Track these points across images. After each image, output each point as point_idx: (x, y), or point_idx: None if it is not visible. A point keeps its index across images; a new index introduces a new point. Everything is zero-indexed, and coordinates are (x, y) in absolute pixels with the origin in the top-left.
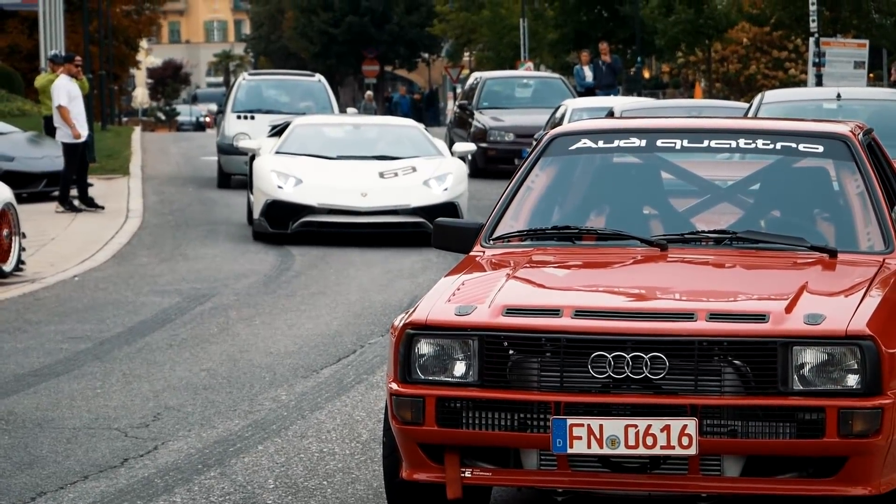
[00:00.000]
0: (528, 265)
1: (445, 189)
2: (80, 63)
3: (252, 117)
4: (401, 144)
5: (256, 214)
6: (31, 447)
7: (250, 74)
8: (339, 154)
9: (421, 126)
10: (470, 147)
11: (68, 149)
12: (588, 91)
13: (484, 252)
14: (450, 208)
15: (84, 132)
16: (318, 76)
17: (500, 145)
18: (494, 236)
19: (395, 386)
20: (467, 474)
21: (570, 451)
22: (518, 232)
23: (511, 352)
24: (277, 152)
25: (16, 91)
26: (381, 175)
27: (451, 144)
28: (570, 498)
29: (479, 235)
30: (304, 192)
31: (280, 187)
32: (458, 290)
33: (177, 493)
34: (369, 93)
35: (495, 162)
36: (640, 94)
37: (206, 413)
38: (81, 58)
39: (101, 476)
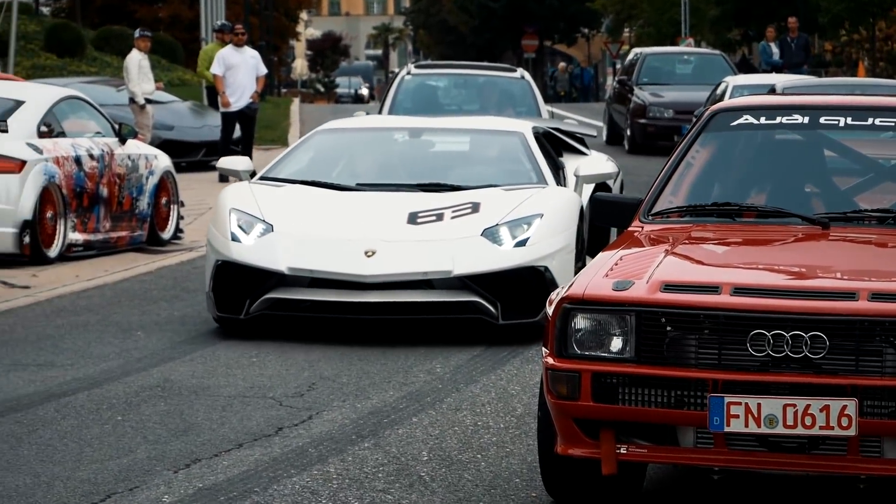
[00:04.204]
0: (686, 241)
1: (522, 243)
2: (243, 32)
3: None
4: (480, 164)
5: (206, 285)
6: (186, 414)
7: (417, 67)
8: (365, 181)
9: (529, 131)
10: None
11: (224, 118)
12: (775, 70)
13: (642, 228)
14: (529, 275)
15: (240, 103)
16: (520, 71)
17: (659, 122)
18: (653, 212)
19: (550, 360)
20: (622, 451)
21: (727, 429)
22: (677, 208)
23: (668, 328)
24: (263, 178)
25: (177, 61)
26: (413, 218)
27: (609, 121)
28: (725, 476)
29: (637, 211)
30: (271, 247)
31: (236, 238)
32: (616, 265)
33: (330, 462)
34: (562, 64)
35: (654, 138)
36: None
37: (361, 384)
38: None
39: (256, 444)
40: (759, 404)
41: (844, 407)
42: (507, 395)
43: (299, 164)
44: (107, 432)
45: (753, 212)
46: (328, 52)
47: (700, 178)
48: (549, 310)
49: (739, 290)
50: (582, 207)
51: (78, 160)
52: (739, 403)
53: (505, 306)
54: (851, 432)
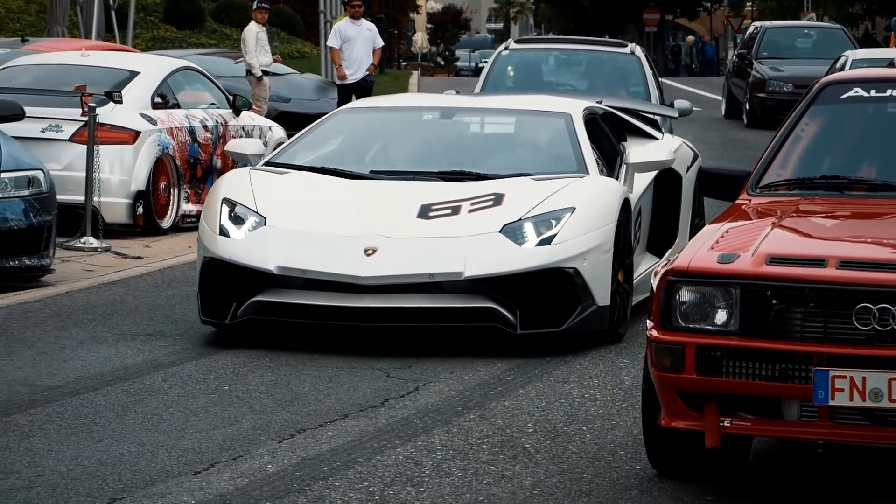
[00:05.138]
0: (794, 214)
1: (548, 241)
2: (359, 5)
3: None
4: (514, 149)
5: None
6: (293, 385)
7: (517, 42)
8: (381, 167)
9: (578, 112)
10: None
11: (340, 90)
12: None
13: (750, 200)
14: (554, 278)
15: (357, 75)
16: (631, 46)
17: (778, 95)
18: (761, 185)
19: (654, 333)
20: (726, 423)
21: (831, 402)
22: (786, 181)
23: (774, 301)
24: (269, 163)
25: (296, 33)
26: (425, 212)
27: (728, 95)
28: (829, 450)
29: (745, 183)
30: (261, 243)
31: (224, 232)
32: (722, 237)
33: (435, 434)
34: (690, 37)
35: (773, 112)
36: None
37: (469, 356)
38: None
39: (361, 415)
40: (864, 378)
41: None
42: (616, 368)
43: (314, 147)
44: (213, 402)
45: (863, 185)
46: (448, 25)
47: (809, 151)
48: (654, 282)
49: (846, 264)
50: (627, 200)
51: (192, 131)
52: (844, 377)
53: (525, 314)
54: None
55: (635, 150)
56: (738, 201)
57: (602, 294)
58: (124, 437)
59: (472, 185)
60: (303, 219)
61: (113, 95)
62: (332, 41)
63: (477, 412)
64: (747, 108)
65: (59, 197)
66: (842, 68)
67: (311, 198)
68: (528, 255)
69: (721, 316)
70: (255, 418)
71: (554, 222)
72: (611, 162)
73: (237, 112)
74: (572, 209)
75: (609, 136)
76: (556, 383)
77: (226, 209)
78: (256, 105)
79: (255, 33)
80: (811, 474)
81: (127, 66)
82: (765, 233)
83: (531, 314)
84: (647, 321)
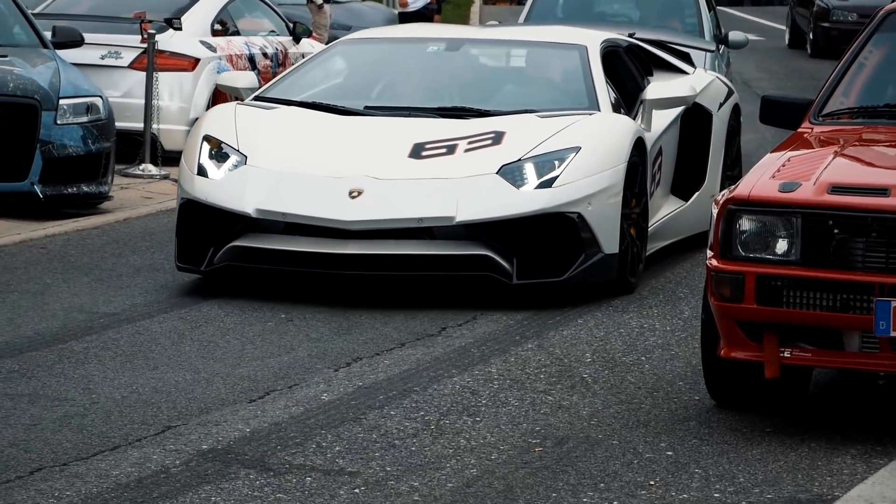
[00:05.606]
0: (857, 143)
1: (549, 183)
2: None
3: None
4: (522, 83)
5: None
6: (350, 315)
7: None
8: (376, 103)
9: (595, 44)
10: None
11: (402, 18)
12: None
13: (812, 129)
14: (554, 224)
15: (418, 3)
16: None
17: (842, 25)
18: (824, 113)
19: (714, 262)
20: (786, 354)
21: (893, 333)
22: (848, 109)
23: (835, 231)
24: (259, 97)
25: None
26: (417, 151)
27: (792, 24)
28: (890, 382)
29: (808, 112)
30: (240, 183)
31: (202, 172)
32: (784, 166)
33: (492, 363)
34: None
35: (837, 42)
36: None
37: (529, 286)
38: None
39: (418, 343)
40: None
41: None
42: (675, 298)
43: (310, 80)
44: (269, 330)
45: None
46: None
47: (873, 80)
48: (714, 210)
49: None
50: (641, 139)
51: (251, 58)
52: None
53: (523, 262)
54: None
55: (653, 86)
56: (799, 130)
57: (609, 241)
58: (180, 364)
59: (471, 123)
60: (286, 158)
61: (172, 22)
62: None
63: (534, 341)
64: (811, 37)
65: (117, 124)
66: None
67: (297, 135)
68: (526, 199)
69: (782, 245)
70: (312, 346)
71: (557, 163)
72: (632, 98)
73: (297, 40)
74: (578, 149)
75: (632, 70)
76: (615, 313)
77: (206, 147)
78: (317, 33)
79: None
80: (871, 407)
81: None
82: (827, 161)
83: (529, 263)
84: (708, 251)
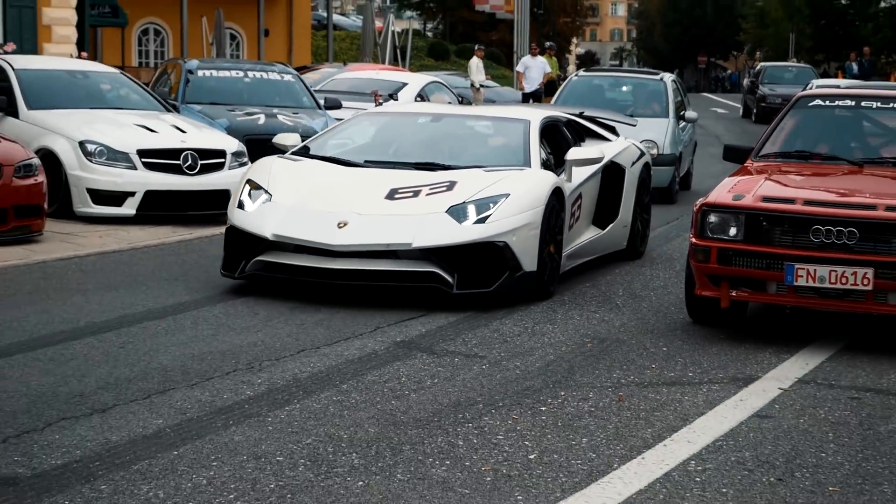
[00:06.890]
0: (778, 173)
1: (482, 221)
2: (535, 47)
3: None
4: (480, 147)
5: None
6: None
7: (585, 71)
8: (375, 158)
9: (537, 120)
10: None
11: (523, 97)
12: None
13: (752, 164)
14: (486, 250)
15: (531, 88)
16: (663, 75)
17: (773, 105)
18: (759, 155)
19: (693, 240)
20: (734, 294)
21: (795, 283)
22: (774, 153)
23: (764, 223)
24: (296, 152)
25: (499, 63)
26: (392, 194)
27: (745, 104)
28: (793, 312)
29: (750, 154)
30: (265, 215)
31: (241, 206)
32: (735, 185)
33: (555, 298)
34: (726, 71)
35: (770, 114)
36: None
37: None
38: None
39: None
40: (815, 269)
41: (866, 273)
42: (672, 260)
43: (333, 141)
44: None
45: (818, 156)
46: (588, 62)
47: (789, 136)
48: (694, 209)
49: (807, 202)
50: (559, 188)
51: None
52: (804, 269)
53: (461, 277)
54: (869, 288)
55: (574, 150)
56: (745, 164)
57: (529, 262)
58: (262, 327)
59: (436, 174)
60: (297, 197)
61: (393, 96)
62: (519, 67)
63: (586, 283)
64: (755, 111)
65: None
66: (810, 89)
67: (309, 180)
68: (466, 231)
69: (732, 230)
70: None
71: (491, 205)
72: (556, 159)
73: None
74: (507, 195)
75: (568, 138)
76: (634, 267)
77: (247, 188)
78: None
79: (476, 63)
80: (781, 325)
81: (401, 79)
82: (760, 183)
83: (466, 277)
84: (689, 233)
